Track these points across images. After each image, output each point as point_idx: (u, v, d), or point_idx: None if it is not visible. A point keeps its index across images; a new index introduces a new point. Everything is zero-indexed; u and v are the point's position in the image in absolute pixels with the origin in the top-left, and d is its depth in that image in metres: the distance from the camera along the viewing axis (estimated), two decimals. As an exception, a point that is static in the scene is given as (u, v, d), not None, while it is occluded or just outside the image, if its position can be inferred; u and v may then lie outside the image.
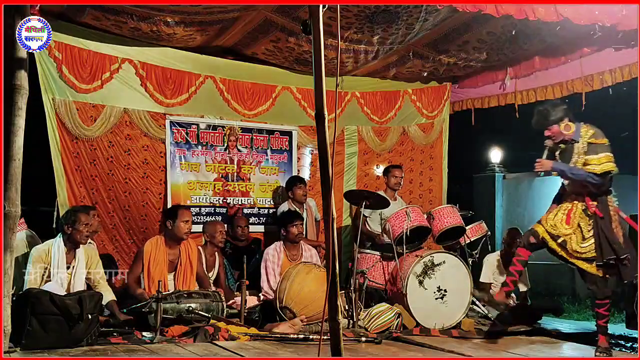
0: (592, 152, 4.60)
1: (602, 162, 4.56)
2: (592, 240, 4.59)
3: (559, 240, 4.68)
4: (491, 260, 6.41)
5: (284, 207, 6.47)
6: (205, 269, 5.63)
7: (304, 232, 6.06)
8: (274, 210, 6.85)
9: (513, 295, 6.38)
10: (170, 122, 6.37)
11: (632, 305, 5.69)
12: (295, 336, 4.59)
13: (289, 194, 6.57)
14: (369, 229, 6.49)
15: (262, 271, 5.62)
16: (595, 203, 4.61)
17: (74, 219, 4.71)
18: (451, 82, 7.93)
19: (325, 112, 2.88)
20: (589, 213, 4.63)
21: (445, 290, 5.59)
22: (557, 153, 4.80)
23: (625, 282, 4.70)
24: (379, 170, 7.55)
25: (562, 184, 4.90)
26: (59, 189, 5.75)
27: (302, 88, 7.09)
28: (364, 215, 6.23)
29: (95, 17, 5.37)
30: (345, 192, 6.63)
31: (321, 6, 2.89)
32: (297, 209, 6.36)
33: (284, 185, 6.81)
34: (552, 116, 4.71)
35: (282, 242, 5.79)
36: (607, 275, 4.60)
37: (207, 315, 4.75)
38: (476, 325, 5.55)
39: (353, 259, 5.86)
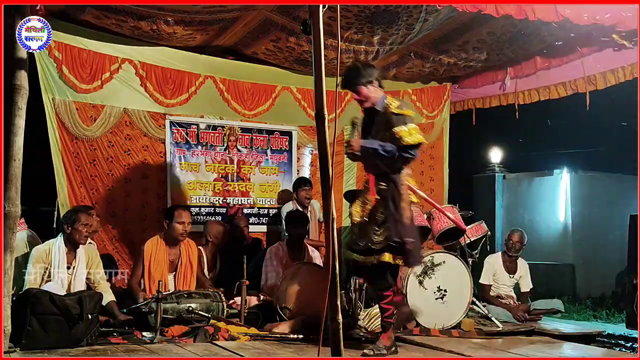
0: (400, 123, 4.06)
1: (413, 134, 4.06)
2: (385, 223, 4.09)
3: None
4: (491, 262, 6.40)
5: (288, 206, 6.47)
6: (206, 270, 5.63)
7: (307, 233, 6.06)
8: (275, 210, 6.86)
9: (514, 295, 6.39)
10: (170, 122, 6.37)
11: (632, 305, 5.70)
12: (295, 336, 4.59)
13: (294, 195, 6.57)
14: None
15: (264, 270, 5.62)
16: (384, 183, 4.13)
17: (74, 219, 4.70)
18: (451, 82, 7.93)
19: (325, 112, 2.89)
20: (382, 193, 4.12)
21: (445, 290, 5.58)
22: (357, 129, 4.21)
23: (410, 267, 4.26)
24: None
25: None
26: (59, 189, 5.75)
27: (302, 88, 7.08)
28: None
29: (96, 15, 5.36)
30: (345, 192, 6.63)
31: (321, 6, 2.90)
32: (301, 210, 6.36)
33: (292, 185, 6.79)
34: (363, 77, 4.13)
35: (285, 242, 5.79)
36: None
37: (207, 315, 4.74)
38: (476, 325, 5.55)
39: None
